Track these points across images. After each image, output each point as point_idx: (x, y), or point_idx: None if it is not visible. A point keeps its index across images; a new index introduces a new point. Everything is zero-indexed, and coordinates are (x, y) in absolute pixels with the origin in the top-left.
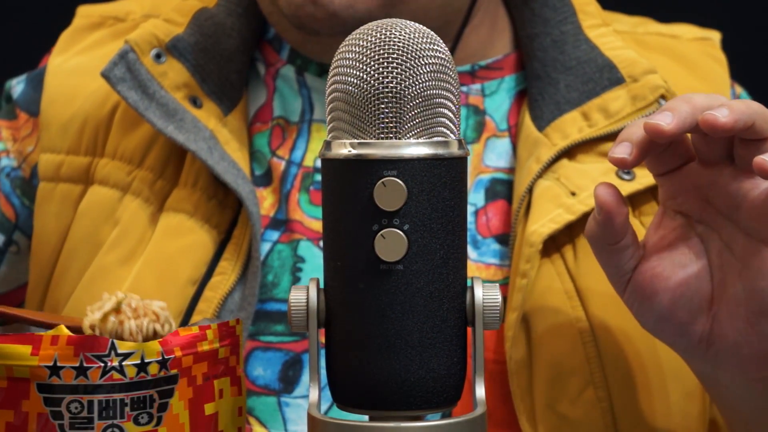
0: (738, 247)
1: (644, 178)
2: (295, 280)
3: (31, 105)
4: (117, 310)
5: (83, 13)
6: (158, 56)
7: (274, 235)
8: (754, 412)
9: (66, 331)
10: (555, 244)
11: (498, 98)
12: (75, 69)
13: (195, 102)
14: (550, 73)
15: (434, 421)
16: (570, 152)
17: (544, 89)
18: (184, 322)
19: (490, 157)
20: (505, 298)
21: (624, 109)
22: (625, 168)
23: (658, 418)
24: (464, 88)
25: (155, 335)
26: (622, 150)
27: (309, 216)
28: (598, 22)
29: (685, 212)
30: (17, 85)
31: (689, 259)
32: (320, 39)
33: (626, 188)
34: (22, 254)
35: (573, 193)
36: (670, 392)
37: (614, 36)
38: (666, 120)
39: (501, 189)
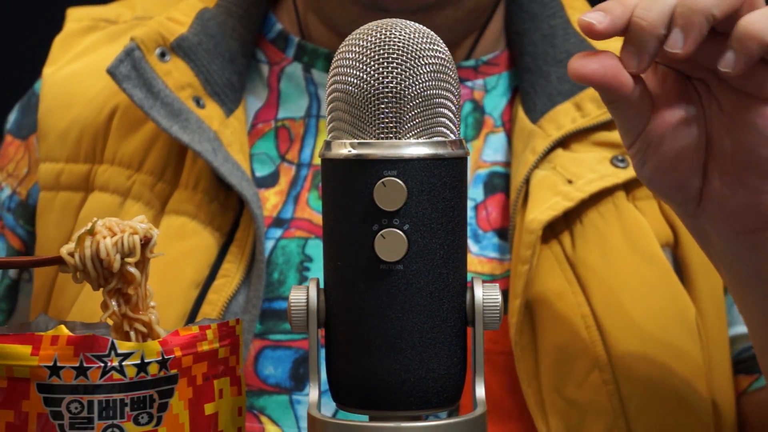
0: (727, 101)
1: None
2: (302, 279)
3: (22, 129)
4: (92, 232)
5: (74, 16)
6: (162, 55)
7: (277, 232)
8: (748, 269)
9: (66, 331)
10: (552, 232)
11: (496, 94)
12: (70, 76)
13: (198, 102)
14: (542, 66)
15: (434, 421)
16: (564, 142)
17: (536, 82)
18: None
19: (487, 152)
20: (506, 291)
21: None
22: (592, 36)
23: (664, 398)
24: (469, 83)
25: (134, 249)
26: (595, 16)
27: (318, 212)
28: None
29: (676, 68)
30: (10, 117)
31: (690, 111)
32: (384, 16)
33: (621, 175)
34: (34, 282)
35: (570, 181)
36: (676, 372)
37: None
38: (599, 18)
39: (499, 182)
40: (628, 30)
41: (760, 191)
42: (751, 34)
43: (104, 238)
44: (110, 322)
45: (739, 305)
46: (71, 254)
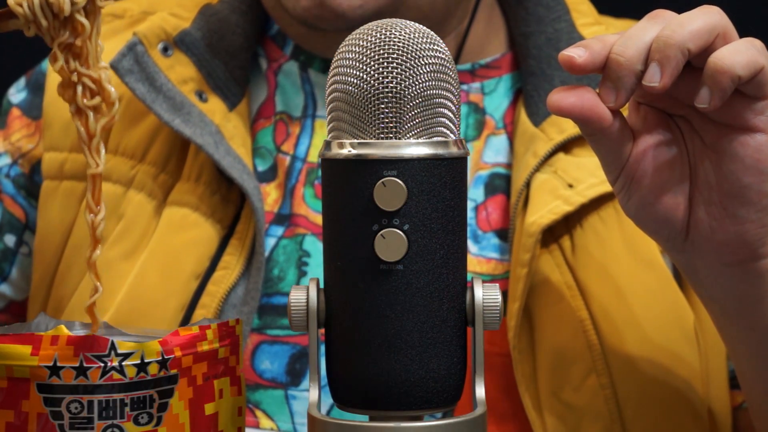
0: (708, 134)
1: None
2: (301, 274)
3: (33, 110)
4: None
5: None
6: (165, 49)
7: (279, 230)
8: (736, 301)
9: (66, 331)
10: (552, 235)
11: (496, 97)
12: None
13: (201, 96)
14: (545, 69)
15: (434, 421)
16: (566, 146)
17: (539, 85)
18: (187, 315)
19: (488, 154)
20: (506, 292)
21: None
22: (572, 70)
23: (661, 403)
24: (464, 87)
25: None
26: (575, 51)
27: (314, 210)
28: (591, 21)
29: (657, 106)
30: (18, 93)
31: (672, 145)
32: (325, 34)
33: None
34: (33, 258)
35: (570, 185)
36: (673, 377)
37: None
38: (579, 53)
39: (500, 183)
40: (606, 66)
41: (746, 220)
42: (722, 69)
43: None
44: (59, 78)
45: (725, 338)
46: (20, 5)
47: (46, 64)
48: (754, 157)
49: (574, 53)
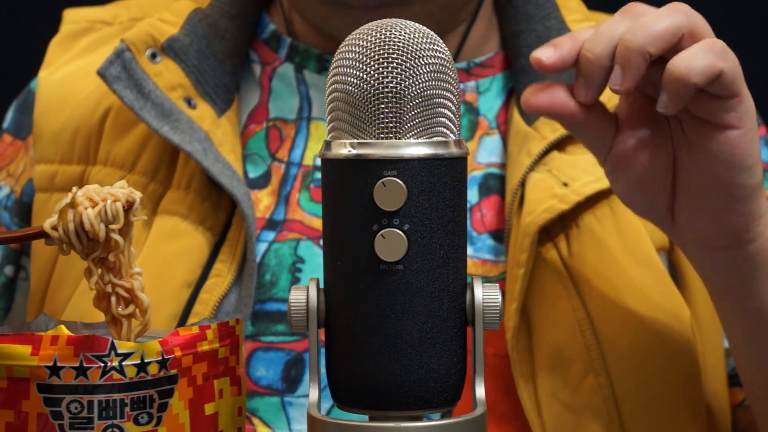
0: (687, 125)
1: None
2: (295, 280)
3: (20, 130)
4: (73, 204)
5: (70, 18)
6: (153, 56)
7: (270, 235)
8: (726, 282)
9: (66, 331)
10: (548, 235)
11: (490, 96)
12: (64, 78)
13: (189, 103)
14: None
15: (434, 421)
16: (560, 144)
17: (531, 84)
18: (180, 325)
19: (482, 154)
20: (503, 292)
21: (612, 99)
22: (541, 70)
23: (659, 402)
24: (461, 86)
25: (118, 216)
26: (544, 52)
27: (309, 214)
28: (581, 17)
29: (646, 92)
30: (8, 117)
31: (656, 133)
32: (349, 12)
33: None
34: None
35: (565, 184)
36: (671, 376)
37: None
38: (548, 54)
39: (494, 183)
40: (578, 62)
41: (726, 210)
42: (677, 76)
43: (86, 209)
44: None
45: (721, 319)
46: (55, 228)
47: (35, 83)
48: (728, 151)
49: (543, 55)
